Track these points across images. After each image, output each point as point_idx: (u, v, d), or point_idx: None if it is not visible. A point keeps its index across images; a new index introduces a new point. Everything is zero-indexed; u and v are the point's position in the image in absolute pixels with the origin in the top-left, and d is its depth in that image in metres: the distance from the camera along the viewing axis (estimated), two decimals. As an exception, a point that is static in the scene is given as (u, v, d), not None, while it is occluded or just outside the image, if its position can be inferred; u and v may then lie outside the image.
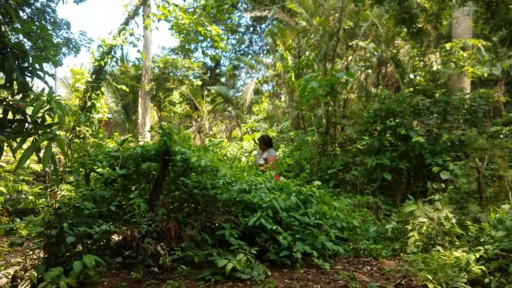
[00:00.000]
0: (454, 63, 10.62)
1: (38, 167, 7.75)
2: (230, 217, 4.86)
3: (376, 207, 6.73)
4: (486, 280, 3.62)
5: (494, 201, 5.68)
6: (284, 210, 4.99)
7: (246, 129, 14.24)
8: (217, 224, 4.81)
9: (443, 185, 6.89)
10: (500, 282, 3.53)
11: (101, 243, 5.03)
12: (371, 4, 10.26)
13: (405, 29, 9.75)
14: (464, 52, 10.66)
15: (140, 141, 7.08)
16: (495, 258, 3.80)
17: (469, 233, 4.65)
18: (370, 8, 11.35)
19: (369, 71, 13.96)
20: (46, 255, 4.39)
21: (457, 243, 4.65)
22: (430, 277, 3.58)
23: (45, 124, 3.90)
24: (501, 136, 7.57)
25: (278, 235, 4.62)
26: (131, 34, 10.20)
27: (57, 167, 4.29)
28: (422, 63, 11.01)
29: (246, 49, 28.35)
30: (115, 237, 5.75)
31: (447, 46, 10.75)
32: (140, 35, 10.72)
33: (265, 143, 7.73)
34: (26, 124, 3.85)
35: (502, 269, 3.72)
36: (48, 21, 13.82)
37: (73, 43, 14.99)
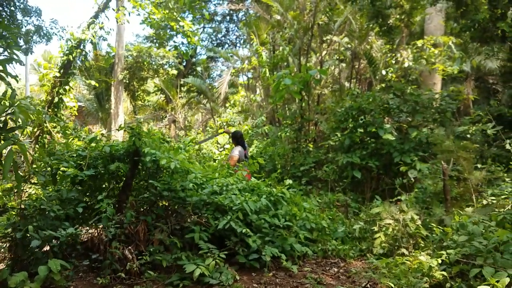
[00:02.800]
0: (425, 59, 10.83)
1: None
2: (200, 219, 4.85)
3: (346, 205, 6.85)
4: (448, 285, 3.74)
5: (459, 203, 5.86)
6: (255, 212, 5.01)
7: (221, 122, 14.18)
8: (187, 227, 4.80)
9: (413, 180, 7.07)
10: (460, 287, 3.66)
11: (68, 246, 4.93)
12: (345, 1, 10.31)
13: (378, 26, 9.86)
14: (435, 49, 10.88)
15: (110, 139, 6.95)
16: (456, 263, 3.92)
17: (433, 235, 4.79)
18: (344, 4, 11.40)
19: (343, 65, 14.08)
20: (11, 257, 4.30)
21: (421, 244, 4.79)
22: (393, 284, 3.68)
23: (7, 128, 3.79)
24: (468, 135, 7.79)
25: (247, 238, 4.65)
26: (101, 28, 9.92)
27: (22, 167, 4.18)
28: (394, 59, 11.18)
29: (223, 38, 28.04)
30: (84, 236, 5.66)
31: (419, 43, 10.94)
32: (111, 29, 10.46)
33: (234, 138, 7.65)
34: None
35: (463, 274, 3.84)
36: (18, 7, 13.27)
37: (45, 31, 14.46)
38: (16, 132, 3.94)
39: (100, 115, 20.90)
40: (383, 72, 11.42)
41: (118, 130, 5.29)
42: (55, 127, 7.55)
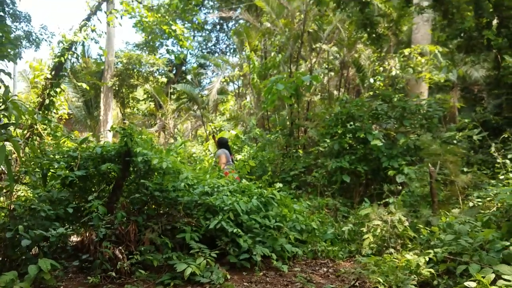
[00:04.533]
0: (412, 68, 11.04)
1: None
2: (191, 220, 4.87)
3: (335, 209, 6.92)
4: (435, 283, 3.81)
5: (446, 205, 5.97)
6: (245, 213, 5.05)
7: (212, 128, 14.22)
8: (178, 227, 4.81)
9: (400, 187, 7.18)
10: (447, 284, 3.73)
11: (58, 246, 4.91)
12: (334, 8, 10.51)
13: (366, 35, 10.05)
14: (422, 58, 11.10)
15: (100, 140, 6.95)
16: (444, 261, 4.00)
17: (421, 236, 4.88)
18: (334, 13, 11.61)
19: (332, 73, 14.27)
20: (1, 258, 4.26)
21: (409, 245, 4.87)
22: (381, 280, 3.74)
23: (0, 124, 3.79)
24: (455, 141, 7.94)
25: (238, 238, 4.68)
26: (93, 31, 9.94)
27: (12, 167, 4.17)
28: (382, 68, 11.38)
29: (213, 47, 28.17)
30: (75, 238, 5.62)
31: (406, 51, 11.15)
32: (103, 31, 10.47)
33: (219, 144, 8.13)
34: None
35: (450, 271, 3.93)
36: (7, 13, 13.23)
37: (34, 37, 14.42)
38: (9, 128, 3.95)
39: (89, 122, 20.74)
40: (371, 80, 11.60)
41: (110, 131, 5.30)
42: (45, 129, 7.52)
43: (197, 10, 11.79)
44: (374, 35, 9.88)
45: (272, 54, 12.01)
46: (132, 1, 10.58)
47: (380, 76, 11.25)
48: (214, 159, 8.17)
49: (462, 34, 8.66)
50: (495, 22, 8.40)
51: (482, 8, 8.33)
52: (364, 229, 5.26)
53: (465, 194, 6.07)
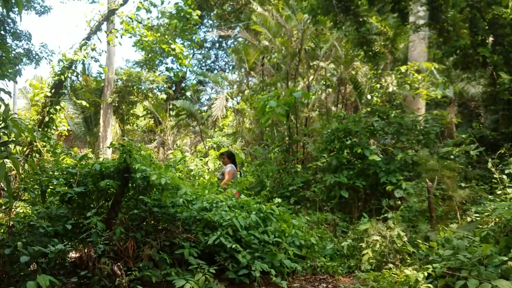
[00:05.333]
0: (409, 85, 11.16)
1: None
2: (190, 235, 4.88)
3: (334, 224, 6.92)
4: (434, 297, 3.81)
5: (444, 220, 5.98)
6: (244, 228, 5.06)
7: (211, 144, 14.26)
8: (176, 243, 4.81)
9: (399, 202, 7.19)
10: (446, 299, 3.73)
11: (56, 262, 4.90)
12: (331, 27, 10.68)
13: (363, 52, 10.19)
14: (419, 75, 11.23)
15: (100, 157, 6.99)
16: (442, 276, 4.00)
17: (420, 251, 4.88)
18: (330, 31, 11.79)
19: (330, 90, 14.41)
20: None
21: (408, 260, 4.87)
22: (380, 295, 3.74)
23: (0, 142, 3.83)
24: (452, 156, 7.98)
25: (237, 253, 4.68)
26: (93, 49, 10.08)
27: (11, 184, 4.20)
28: (378, 84, 11.50)
29: (212, 64, 28.44)
30: (73, 254, 5.61)
31: (402, 68, 11.29)
32: (102, 50, 10.62)
33: (228, 157, 8.02)
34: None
35: (449, 286, 3.93)
36: (8, 31, 13.43)
37: (34, 55, 14.60)
38: (9, 146, 3.98)
39: (88, 139, 20.79)
40: (368, 97, 11.71)
41: (110, 147, 5.34)
42: (44, 146, 7.57)
43: (196, 29, 11.97)
44: (370, 53, 10.02)
45: (270, 71, 12.16)
46: (132, 21, 10.76)
47: (377, 93, 11.36)
48: (218, 175, 8.15)
49: (458, 52, 8.78)
50: (490, 39, 8.54)
51: (477, 26, 8.47)
52: (363, 245, 5.26)
53: (463, 209, 6.08)
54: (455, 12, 8.45)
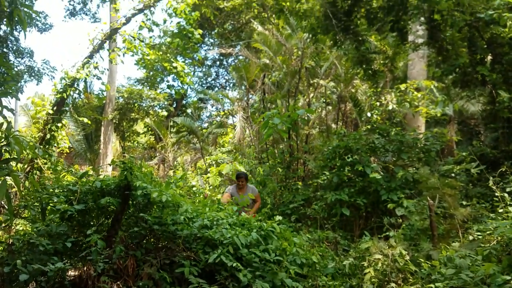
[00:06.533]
0: (409, 103, 11.22)
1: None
2: (191, 253, 4.85)
3: (335, 242, 6.87)
4: (437, 317, 3.76)
5: (446, 238, 5.94)
6: (245, 246, 5.02)
7: (211, 161, 14.27)
8: (177, 261, 4.77)
9: (400, 220, 7.15)
10: (449, 318, 3.68)
11: (56, 281, 4.85)
12: (331, 46, 10.80)
13: (362, 71, 10.28)
14: (418, 93, 11.30)
15: (100, 174, 7.00)
16: (445, 295, 3.96)
17: (422, 270, 4.83)
18: (330, 50, 11.93)
19: (330, 107, 14.49)
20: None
21: (410, 279, 4.82)
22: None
23: (2, 159, 3.84)
24: (453, 174, 7.97)
25: (238, 272, 4.63)
26: (95, 67, 10.19)
27: (12, 201, 4.19)
28: (378, 102, 11.57)
29: (213, 81, 28.71)
30: (73, 272, 5.56)
31: (402, 87, 11.36)
32: (105, 68, 10.74)
33: (246, 179, 7.88)
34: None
35: (451, 305, 3.89)
36: (11, 49, 13.60)
37: (36, 71, 14.75)
38: (10, 163, 4.00)
39: (89, 156, 20.82)
40: (368, 114, 11.77)
41: (110, 165, 5.36)
42: (45, 164, 7.58)
43: (197, 48, 12.11)
44: (370, 71, 10.11)
45: (271, 88, 12.28)
46: (135, 40, 10.91)
47: (377, 110, 11.41)
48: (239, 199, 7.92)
49: (457, 70, 8.86)
50: (489, 58, 8.63)
51: (476, 45, 8.56)
52: (365, 263, 5.20)
53: (464, 228, 6.04)
54: (454, 31, 8.54)
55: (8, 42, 13.93)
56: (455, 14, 8.05)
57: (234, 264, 4.62)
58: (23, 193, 5.26)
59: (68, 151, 10.46)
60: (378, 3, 9.34)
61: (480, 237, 5.47)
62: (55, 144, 9.38)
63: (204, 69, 27.99)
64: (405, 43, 9.79)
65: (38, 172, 8.08)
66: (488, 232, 5.45)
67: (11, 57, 14.83)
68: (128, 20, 11.12)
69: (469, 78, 8.91)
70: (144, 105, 20.23)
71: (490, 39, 8.35)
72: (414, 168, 8.28)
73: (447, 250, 4.96)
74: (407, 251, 5.22)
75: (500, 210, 6.13)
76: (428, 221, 6.01)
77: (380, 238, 5.97)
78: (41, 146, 8.56)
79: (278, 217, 6.21)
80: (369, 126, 10.86)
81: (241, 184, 7.75)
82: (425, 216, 6.41)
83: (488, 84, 8.74)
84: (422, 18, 9.08)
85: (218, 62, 27.83)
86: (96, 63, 10.25)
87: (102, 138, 19.61)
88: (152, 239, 5.22)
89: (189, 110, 24.92)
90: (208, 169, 12.25)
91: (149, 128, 21.18)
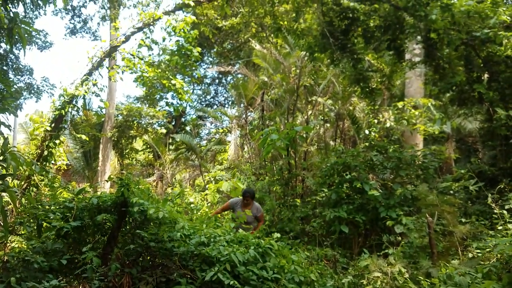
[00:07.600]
0: (407, 120, 11.27)
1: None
2: (187, 271, 4.78)
3: (334, 260, 6.80)
4: (437, 336, 3.70)
5: (445, 256, 5.89)
6: (243, 263, 4.96)
7: (210, 178, 14.23)
8: (173, 279, 4.70)
9: (400, 238, 7.09)
10: (449, 337, 3.62)
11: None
12: (328, 64, 10.91)
13: (360, 89, 10.36)
14: (415, 111, 11.36)
15: (98, 191, 6.97)
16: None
17: (421, 288, 4.78)
18: (328, 68, 12.04)
19: (328, 125, 14.54)
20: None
21: (409, 297, 4.76)
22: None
23: (-2, 175, 3.83)
24: (451, 192, 7.95)
25: (235, 290, 4.56)
26: (94, 85, 10.24)
27: (8, 218, 4.16)
28: (376, 120, 11.61)
29: (212, 99, 28.89)
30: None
31: (399, 104, 11.44)
32: (104, 86, 10.81)
33: (252, 197, 7.63)
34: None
35: (451, 324, 3.83)
36: (10, 67, 13.71)
37: (35, 89, 14.85)
38: (7, 179, 3.98)
39: (87, 173, 20.78)
40: (366, 132, 11.80)
41: (108, 181, 5.34)
42: (42, 180, 7.55)
43: (196, 66, 12.21)
44: (367, 89, 10.19)
45: (269, 106, 12.37)
46: (134, 58, 11.01)
47: (375, 128, 11.45)
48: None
49: (454, 88, 8.93)
50: (485, 76, 8.70)
51: (472, 63, 8.65)
52: (364, 281, 5.15)
53: (464, 245, 6.00)
54: (450, 50, 8.64)
55: (8, 60, 14.05)
56: (451, 33, 8.16)
57: (232, 282, 4.55)
58: (19, 209, 5.21)
59: (66, 168, 10.43)
60: (375, 22, 9.47)
61: (479, 254, 5.44)
62: (53, 161, 9.35)
63: (203, 87, 28.21)
64: (402, 62, 9.89)
65: (34, 189, 8.04)
66: (487, 250, 5.42)
67: (11, 75, 14.95)
68: (127, 38, 11.24)
69: (466, 96, 8.96)
70: (143, 122, 20.30)
71: (487, 57, 8.44)
72: (412, 185, 8.27)
73: (447, 267, 4.91)
74: (407, 269, 5.17)
75: (499, 227, 6.09)
76: (427, 238, 5.98)
77: (379, 255, 5.91)
78: (38, 163, 8.53)
79: (276, 234, 6.15)
80: (367, 144, 10.88)
81: (246, 202, 7.59)
82: (424, 234, 6.37)
83: (485, 102, 8.78)
84: (419, 37, 9.20)
85: (217, 80, 28.08)
86: (95, 80, 10.31)
87: (100, 155, 19.61)
88: (148, 256, 5.15)
89: (188, 128, 25.00)
90: (207, 186, 12.21)
91: (148, 145, 21.21)
